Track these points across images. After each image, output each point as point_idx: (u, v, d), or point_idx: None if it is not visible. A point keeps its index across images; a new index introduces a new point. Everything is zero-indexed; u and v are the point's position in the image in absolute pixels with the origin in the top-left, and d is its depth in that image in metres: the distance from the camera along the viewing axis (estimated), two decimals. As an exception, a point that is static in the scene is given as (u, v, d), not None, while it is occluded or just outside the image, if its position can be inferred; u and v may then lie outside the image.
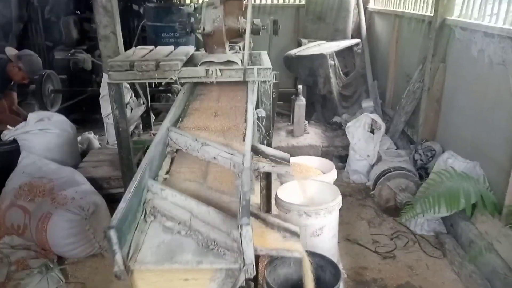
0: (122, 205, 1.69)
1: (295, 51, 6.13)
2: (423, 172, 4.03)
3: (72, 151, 4.27)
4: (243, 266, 1.60)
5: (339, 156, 5.09)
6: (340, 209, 3.86)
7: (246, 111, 2.70)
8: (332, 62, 5.74)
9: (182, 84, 3.13)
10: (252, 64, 3.39)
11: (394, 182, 3.82)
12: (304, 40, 6.64)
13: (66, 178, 3.45)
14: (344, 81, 5.97)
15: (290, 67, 6.29)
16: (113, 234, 1.55)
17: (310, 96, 6.09)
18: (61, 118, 4.29)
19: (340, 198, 2.38)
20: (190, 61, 3.31)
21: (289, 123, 5.75)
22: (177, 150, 2.42)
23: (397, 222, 3.74)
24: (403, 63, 5.17)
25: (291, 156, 3.27)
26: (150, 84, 4.46)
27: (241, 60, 3.16)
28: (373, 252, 3.35)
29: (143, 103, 4.27)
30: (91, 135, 4.94)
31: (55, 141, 3.99)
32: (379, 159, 4.35)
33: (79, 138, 4.76)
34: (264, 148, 2.34)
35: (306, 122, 5.52)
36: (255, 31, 3.39)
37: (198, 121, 2.69)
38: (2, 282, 2.79)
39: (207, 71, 3.06)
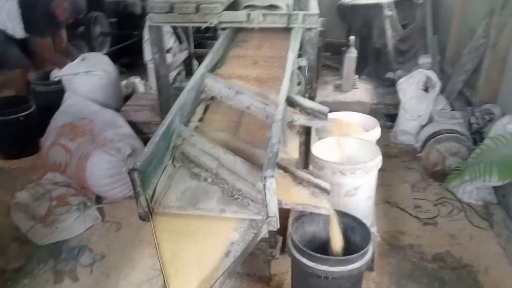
0: (148, 148, 1.66)
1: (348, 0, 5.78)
2: (478, 137, 3.73)
3: (115, 94, 4.30)
4: (266, 218, 1.54)
5: (389, 115, 4.82)
6: (382, 171, 3.70)
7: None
8: (390, 13, 5.34)
9: (223, 29, 3.01)
10: (298, 9, 3.18)
11: (444, 145, 3.57)
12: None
13: (107, 120, 3.49)
14: (401, 34, 5.57)
15: (343, 16, 5.94)
16: (136, 176, 1.53)
17: (363, 49, 5.74)
18: (106, 60, 4.31)
19: (380, 158, 2.22)
20: (233, 6, 3.14)
21: (338, 77, 5.50)
22: (212, 97, 2.34)
23: (444, 188, 3.52)
24: (468, 16, 4.71)
25: (337, 112, 3.13)
26: (196, 30, 4.35)
27: (287, 6, 2.97)
28: (414, 217, 3.19)
29: (186, 49, 4.19)
30: (136, 80, 4.96)
31: (98, 83, 4.03)
32: (430, 120, 4.06)
33: (124, 82, 4.80)
34: (301, 100, 2.20)
35: (356, 76, 5.25)
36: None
37: (236, 69, 2.58)
38: (43, 216, 2.93)
39: (248, 15, 2.89)
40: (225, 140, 1.98)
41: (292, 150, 3.53)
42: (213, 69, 2.54)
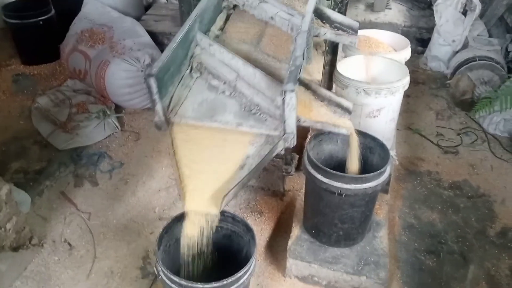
0: (165, 54, 1.58)
1: None
2: (513, 66, 3.53)
3: (136, 2, 4.13)
4: (283, 134, 1.50)
5: (421, 39, 4.56)
6: (408, 96, 3.59)
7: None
8: None
9: None
10: None
11: (476, 73, 3.39)
12: None
13: (126, 28, 3.39)
14: None
15: None
16: (153, 82, 1.48)
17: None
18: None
19: (407, 79, 2.11)
20: None
21: (370, -4, 5.16)
22: (235, 6, 2.20)
23: (470, 117, 3.41)
24: None
25: (366, 29, 2.94)
26: None
27: None
28: (435, 144, 3.13)
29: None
30: (158, -12, 4.75)
31: None
32: (465, 45, 3.82)
33: (145, -10, 4.59)
34: (330, 12, 2.05)
35: (390, -5, 4.92)
36: None
37: (263, -25, 2.40)
38: (64, 122, 2.96)
39: None
40: (246, 52, 1.89)
41: (315, 70, 3.42)
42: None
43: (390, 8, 4.86)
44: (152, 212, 2.50)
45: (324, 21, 2.02)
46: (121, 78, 3.05)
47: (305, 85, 1.72)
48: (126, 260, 2.22)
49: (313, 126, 1.58)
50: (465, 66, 3.46)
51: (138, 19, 3.85)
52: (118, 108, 3.24)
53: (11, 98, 3.46)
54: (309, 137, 2.31)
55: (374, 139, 1.93)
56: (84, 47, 3.24)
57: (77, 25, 3.48)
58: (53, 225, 2.40)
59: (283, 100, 1.39)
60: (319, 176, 1.82)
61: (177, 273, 1.56)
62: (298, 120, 1.51)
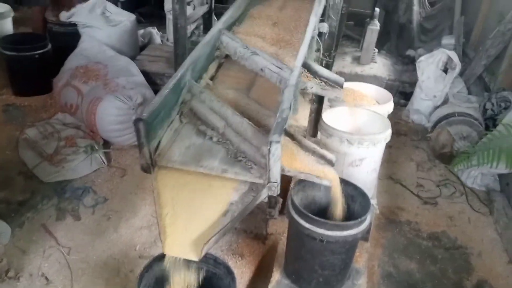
0: (157, 99, 1.65)
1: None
2: (491, 123, 3.68)
3: (131, 42, 4.26)
4: (268, 183, 1.56)
5: (404, 92, 4.75)
6: (390, 147, 3.70)
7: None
8: (419, -12, 5.16)
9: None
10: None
11: (455, 128, 3.53)
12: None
13: (121, 67, 3.48)
14: (428, 12, 5.39)
15: (370, -14, 5.75)
16: (141, 126, 1.53)
17: (386, 24, 5.60)
18: (122, 11, 4.24)
19: (389, 132, 2.21)
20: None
21: (357, 49, 5.38)
22: (227, 56, 2.31)
23: (449, 170, 3.52)
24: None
25: (352, 82, 3.08)
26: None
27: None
28: (415, 195, 3.21)
29: (207, 3, 4.10)
30: (154, 30, 4.89)
31: (115, 29, 3.98)
32: (445, 101, 3.99)
33: (141, 32, 4.73)
34: (318, 67, 2.17)
35: (376, 50, 5.13)
36: None
37: (255, 28, 2.53)
38: (51, 154, 2.98)
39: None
40: (235, 99, 1.98)
41: (302, 117, 3.52)
42: (231, 26, 2.49)
43: (375, 62, 5.07)
44: (133, 249, 2.50)
45: (311, 75, 2.13)
46: (112, 114, 3.10)
47: (291, 135, 1.79)
48: (104, 299, 2.20)
49: (297, 176, 1.64)
50: (445, 121, 3.60)
51: (133, 58, 3.95)
52: (106, 144, 3.27)
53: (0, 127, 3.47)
54: (293, 182, 2.37)
55: (355, 187, 1.99)
56: (77, 83, 3.31)
57: (73, 61, 3.56)
58: (31, 258, 2.37)
59: (269, 150, 1.45)
60: (302, 222, 1.86)
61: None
62: (282, 170, 1.57)
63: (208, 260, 1.81)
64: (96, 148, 3.06)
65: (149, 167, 1.62)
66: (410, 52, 5.33)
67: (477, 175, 3.30)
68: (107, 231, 2.61)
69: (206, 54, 2.14)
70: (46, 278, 2.26)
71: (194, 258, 1.42)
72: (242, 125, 1.69)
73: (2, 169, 3.00)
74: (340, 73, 4.80)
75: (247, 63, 2.15)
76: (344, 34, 5.71)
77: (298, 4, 2.88)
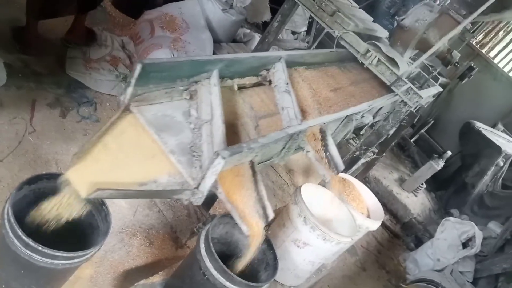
0: (172, 59, 1.70)
1: (481, 125, 5.40)
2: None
3: (231, 30, 4.28)
4: (194, 189, 1.52)
5: (420, 240, 4.51)
6: (364, 270, 3.51)
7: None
8: (501, 164, 4.94)
9: (338, 45, 2.93)
10: (423, 80, 3.09)
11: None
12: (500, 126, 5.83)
13: (199, 39, 3.52)
14: (496, 190, 5.14)
15: (462, 134, 5.60)
16: (138, 67, 1.58)
17: (450, 174, 5.41)
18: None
19: (348, 244, 2.08)
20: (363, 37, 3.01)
21: (410, 174, 5.19)
22: (269, 81, 2.31)
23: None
24: None
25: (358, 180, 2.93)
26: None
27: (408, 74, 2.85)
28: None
29: (307, 42, 4.19)
30: (256, 35, 4.97)
31: (220, 12, 3.99)
32: (442, 269, 3.74)
33: (247, 32, 4.78)
34: (330, 142, 2.11)
35: (424, 186, 4.95)
36: (443, 58, 2.99)
37: (315, 79, 2.52)
38: (90, 58, 3.08)
39: (367, 51, 2.81)
40: (241, 113, 1.98)
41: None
42: (298, 64, 2.49)
43: (416, 195, 4.88)
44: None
45: (319, 143, 2.08)
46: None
47: (254, 172, 1.75)
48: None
49: (225, 204, 1.59)
50: (424, 283, 3.38)
51: (219, 43, 4.05)
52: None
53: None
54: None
55: (275, 258, 1.85)
56: (157, 24, 3.45)
57: (169, 8, 3.64)
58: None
59: (212, 159, 1.43)
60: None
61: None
62: (215, 187, 1.54)
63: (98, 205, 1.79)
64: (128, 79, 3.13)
65: (122, 105, 1.64)
66: (454, 211, 5.09)
67: None
68: (70, 143, 2.63)
69: (251, 66, 2.15)
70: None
71: (82, 193, 1.41)
72: (218, 130, 1.68)
73: (48, 39, 3.09)
74: (377, 181, 4.67)
75: (277, 96, 2.15)
76: (407, 150, 5.59)
77: (365, 85, 2.86)
